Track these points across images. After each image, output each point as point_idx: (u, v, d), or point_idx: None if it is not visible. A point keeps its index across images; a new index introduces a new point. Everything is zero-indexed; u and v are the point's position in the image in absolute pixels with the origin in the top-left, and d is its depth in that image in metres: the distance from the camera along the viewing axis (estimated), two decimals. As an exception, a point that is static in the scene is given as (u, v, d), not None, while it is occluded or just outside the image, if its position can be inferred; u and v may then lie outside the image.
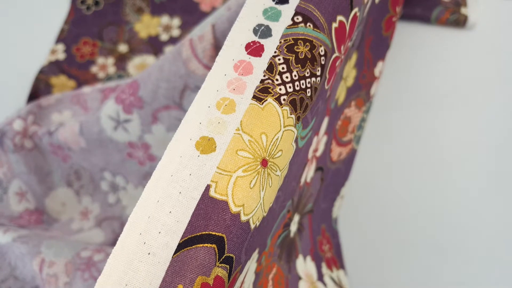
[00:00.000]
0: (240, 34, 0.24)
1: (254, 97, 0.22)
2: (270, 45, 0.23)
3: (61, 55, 0.54)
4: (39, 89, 0.50)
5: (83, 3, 0.56)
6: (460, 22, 0.51)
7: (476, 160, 0.46)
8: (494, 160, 0.46)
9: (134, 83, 0.35)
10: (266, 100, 0.22)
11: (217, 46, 0.34)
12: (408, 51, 0.52)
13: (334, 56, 0.25)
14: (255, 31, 0.24)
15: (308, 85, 0.23)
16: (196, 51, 0.33)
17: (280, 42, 0.23)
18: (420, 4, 0.52)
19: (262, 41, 0.23)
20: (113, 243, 0.41)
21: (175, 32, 0.55)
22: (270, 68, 0.23)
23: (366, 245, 0.43)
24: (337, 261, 0.41)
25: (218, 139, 0.21)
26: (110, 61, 0.54)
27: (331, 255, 0.41)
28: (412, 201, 0.44)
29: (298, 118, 0.23)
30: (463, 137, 0.47)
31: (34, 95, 0.50)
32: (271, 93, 0.22)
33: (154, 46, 0.54)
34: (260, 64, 0.23)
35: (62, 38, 0.55)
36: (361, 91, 0.40)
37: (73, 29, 0.55)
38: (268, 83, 0.23)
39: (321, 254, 0.39)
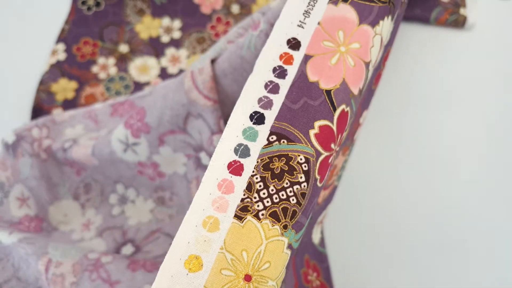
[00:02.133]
0: (223, 154, 0.25)
1: (236, 215, 0.23)
2: (249, 165, 0.24)
3: (61, 55, 0.52)
4: (42, 100, 0.49)
5: (84, 3, 0.55)
6: (459, 22, 0.51)
7: (476, 161, 0.45)
8: (493, 161, 0.45)
9: (141, 110, 0.37)
10: (246, 218, 0.23)
11: (216, 81, 0.36)
12: (407, 51, 0.51)
13: (322, 157, 0.25)
14: (235, 151, 0.25)
15: (291, 194, 0.24)
16: (197, 83, 0.34)
17: (257, 162, 0.24)
18: (419, 4, 0.52)
19: (242, 160, 0.25)
20: (114, 251, 0.41)
21: (176, 34, 0.54)
22: (249, 187, 0.24)
23: (357, 266, 0.42)
24: (326, 286, 0.40)
25: (204, 257, 0.23)
26: (111, 61, 0.53)
27: (319, 283, 0.40)
28: (405, 217, 0.43)
29: (285, 227, 0.24)
30: (461, 137, 0.47)
31: (37, 106, 0.49)
32: (249, 211, 0.24)
33: (155, 47, 0.53)
34: (240, 183, 0.24)
35: (62, 37, 0.53)
36: (348, 140, 0.40)
37: (73, 29, 0.54)
38: (248, 201, 0.24)
39: (307, 286, 0.39)
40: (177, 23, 0.55)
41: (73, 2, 0.55)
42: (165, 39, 0.54)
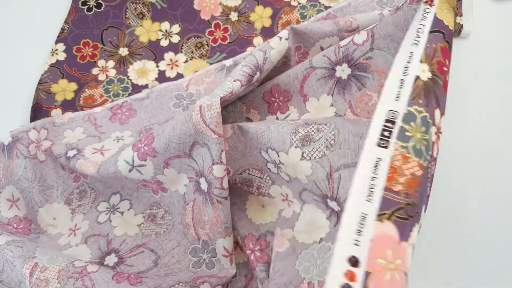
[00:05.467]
0: None
1: None
2: None
3: (61, 55, 0.51)
4: (41, 100, 0.48)
5: (84, 4, 0.54)
6: (455, 31, 0.49)
7: (473, 165, 0.45)
8: (492, 166, 0.45)
9: (150, 136, 0.39)
10: None
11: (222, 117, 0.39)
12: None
13: None
14: None
15: None
16: (204, 117, 0.36)
17: None
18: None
19: None
20: (99, 260, 0.41)
21: (175, 38, 0.54)
22: None
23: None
24: None
25: None
26: (110, 63, 0.51)
27: None
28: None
29: None
30: (458, 140, 0.46)
31: (37, 106, 0.48)
32: None
33: (154, 51, 0.53)
34: None
35: (62, 37, 0.52)
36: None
37: (73, 30, 0.52)
38: None
39: None
40: (176, 28, 0.55)
41: (73, 2, 0.54)
42: (164, 43, 0.54)
